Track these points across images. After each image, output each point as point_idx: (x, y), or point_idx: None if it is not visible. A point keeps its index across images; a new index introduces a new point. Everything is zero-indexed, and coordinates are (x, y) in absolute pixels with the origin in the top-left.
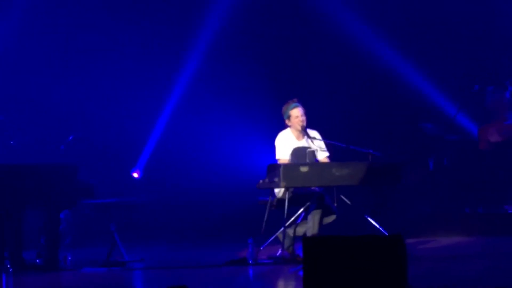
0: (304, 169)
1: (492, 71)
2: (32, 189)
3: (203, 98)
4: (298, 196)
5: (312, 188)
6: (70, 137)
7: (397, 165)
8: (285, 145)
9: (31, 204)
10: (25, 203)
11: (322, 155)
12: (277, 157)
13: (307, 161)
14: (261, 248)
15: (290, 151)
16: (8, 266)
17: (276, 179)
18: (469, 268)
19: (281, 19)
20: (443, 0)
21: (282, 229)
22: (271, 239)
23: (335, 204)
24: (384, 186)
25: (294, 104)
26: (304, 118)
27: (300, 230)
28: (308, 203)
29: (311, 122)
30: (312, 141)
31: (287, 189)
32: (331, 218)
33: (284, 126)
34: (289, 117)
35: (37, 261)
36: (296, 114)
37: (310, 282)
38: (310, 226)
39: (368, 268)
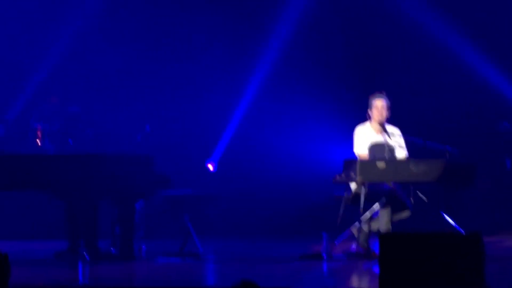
0: (381, 164)
1: None
2: (108, 179)
3: (280, 90)
4: (374, 192)
5: (388, 184)
6: (147, 127)
7: (473, 166)
8: (364, 139)
9: (107, 194)
10: (100, 193)
11: (401, 153)
12: (355, 150)
13: (386, 157)
14: (336, 243)
15: (368, 145)
16: (85, 254)
17: (352, 174)
18: None
19: (367, 17)
20: None
21: (357, 224)
22: (346, 234)
23: (411, 200)
24: (459, 186)
25: (379, 95)
26: (385, 112)
27: (375, 226)
28: (384, 199)
29: (391, 116)
30: (390, 137)
31: (363, 184)
32: (406, 214)
33: (363, 120)
34: (371, 107)
35: (112, 250)
36: (378, 104)
37: (385, 279)
38: (383, 223)
39: (445, 266)
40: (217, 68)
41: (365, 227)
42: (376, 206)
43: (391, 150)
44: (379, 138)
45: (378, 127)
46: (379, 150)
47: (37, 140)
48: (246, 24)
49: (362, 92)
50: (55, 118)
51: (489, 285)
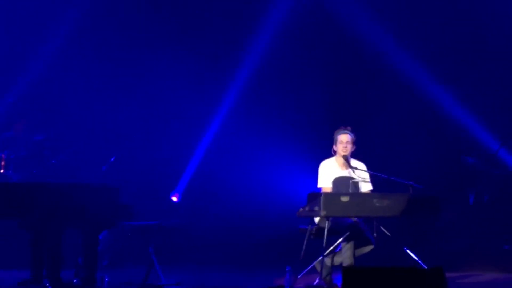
0: (345, 198)
1: None
2: (73, 209)
3: (245, 123)
4: (338, 226)
5: (352, 218)
6: (112, 158)
7: (437, 198)
8: (328, 173)
9: (71, 224)
10: (65, 223)
11: (366, 187)
12: (319, 185)
13: (350, 191)
14: (299, 276)
15: (332, 179)
16: (47, 285)
17: (316, 208)
18: None
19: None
20: (491, 35)
21: (320, 257)
22: (309, 268)
23: (375, 235)
24: (424, 218)
25: (343, 131)
26: (349, 146)
27: (338, 260)
28: (347, 233)
29: (357, 151)
30: (354, 172)
31: (327, 218)
32: (369, 248)
33: (328, 155)
34: (335, 142)
35: (75, 281)
36: (341, 139)
37: None
38: (346, 257)
39: None
40: (182, 99)
41: (328, 261)
42: (340, 240)
43: (356, 184)
44: (343, 172)
45: (343, 161)
46: (344, 184)
47: (1, 168)
48: (210, 59)
49: (329, 127)
50: (19, 145)
51: None
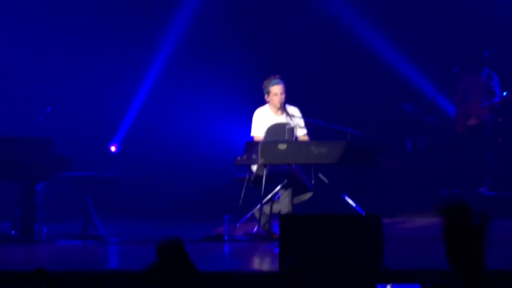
0: (282, 146)
1: (471, 53)
2: (8, 162)
3: (182, 73)
4: (276, 174)
5: (290, 166)
6: (48, 109)
7: (374, 147)
8: (262, 121)
9: (6, 176)
10: (1, 175)
11: (301, 133)
12: (252, 134)
13: (286, 138)
14: (238, 225)
15: (266, 128)
16: None
17: (254, 156)
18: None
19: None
20: None
21: (258, 206)
22: (247, 216)
23: (312, 182)
24: (361, 165)
25: (275, 81)
26: (283, 96)
27: (276, 208)
28: (285, 181)
29: (291, 98)
30: (291, 118)
31: (264, 166)
32: (307, 195)
33: (263, 102)
34: (268, 93)
35: (12, 232)
36: (276, 91)
37: (285, 259)
38: (284, 205)
39: (344, 247)
40: (119, 49)
41: (266, 209)
42: (278, 188)
43: (291, 130)
44: (279, 119)
45: (277, 109)
46: (280, 132)
47: None
48: (145, 11)
49: (264, 74)
50: None
51: (386, 266)
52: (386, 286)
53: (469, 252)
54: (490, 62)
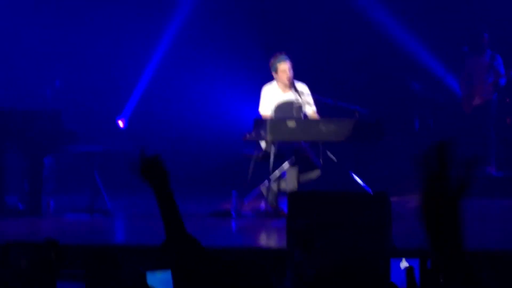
0: (291, 123)
1: (476, 33)
2: (15, 134)
3: (190, 49)
4: (284, 151)
5: (298, 143)
6: (57, 82)
7: (381, 122)
8: (270, 98)
9: (13, 149)
10: (7, 147)
11: (310, 110)
12: (259, 110)
13: (294, 115)
14: (245, 201)
15: (274, 105)
16: None
17: (262, 133)
18: None
19: None
20: None
21: (266, 182)
22: (255, 193)
23: (320, 160)
24: (368, 143)
25: (282, 57)
26: (291, 72)
27: (284, 185)
28: (292, 157)
29: (299, 75)
30: (299, 95)
31: (273, 143)
32: (316, 173)
33: (271, 78)
34: (276, 70)
35: (20, 205)
36: (283, 68)
37: (293, 236)
38: (289, 181)
39: (352, 225)
40: (129, 24)
41: (274, 186)
42: (285, 165)
43: (299, 107)
44: (286, 96)
45: (285, 86)
46: (288, 110)
47: None
48: None
49: (271, 50)
50: None
51: (394, 244)
52: (401, 260)
53: (441, 227)
54: (491, 43)
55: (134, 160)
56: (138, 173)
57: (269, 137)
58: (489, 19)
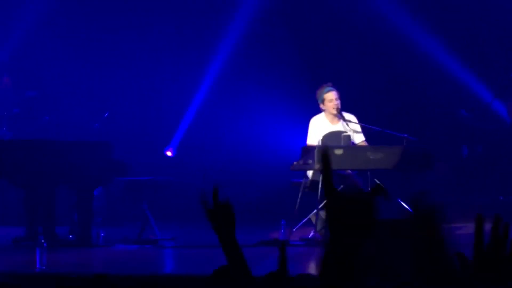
0: (338, 151)
1: None
2: (66, 166)
3: (239, 80)
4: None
5: (346, 171)
6: (105, 114)
7: (430, 151)
8: (318, 130)
9: (64, 181)
10: (58, 180)
11: (359, 139)
12: (307, 142)
13: (342, 144)
14: (294, 230)
15: (322, 135)
16: (42, 241)
17: (310, 161)
18: None
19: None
20: None
21: (315, 211)
22: (303, 221)
23: (369, 188)
24: (417, 171)
25: (328, 88)
26: (338, 102)
27: None
28: (341, 186)
29: (347, 106)
30: (347, 124)
31: (321, 171)
32: None
33: (319, 111)
34: (323, 101)
35: (70, 237)
36: (331, 97)
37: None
38: None
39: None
40: (177, 56)
41: (323, 214)
42: None
43: (348, 136)
44: (335, 127)
45: (333, 117)
46: (336, 139)
47: None
48: (203, 17)
49: (319, 81)
50: (12, 102)
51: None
52: None
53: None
54: None
55: (205, 195)
56: (207, 213)
57: (316, 166)
58: None
